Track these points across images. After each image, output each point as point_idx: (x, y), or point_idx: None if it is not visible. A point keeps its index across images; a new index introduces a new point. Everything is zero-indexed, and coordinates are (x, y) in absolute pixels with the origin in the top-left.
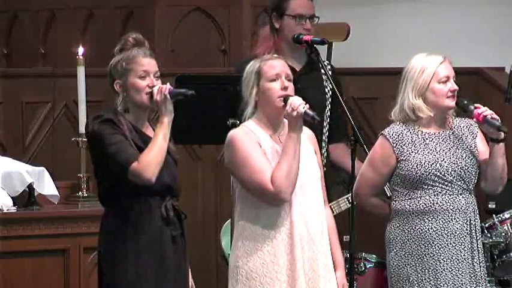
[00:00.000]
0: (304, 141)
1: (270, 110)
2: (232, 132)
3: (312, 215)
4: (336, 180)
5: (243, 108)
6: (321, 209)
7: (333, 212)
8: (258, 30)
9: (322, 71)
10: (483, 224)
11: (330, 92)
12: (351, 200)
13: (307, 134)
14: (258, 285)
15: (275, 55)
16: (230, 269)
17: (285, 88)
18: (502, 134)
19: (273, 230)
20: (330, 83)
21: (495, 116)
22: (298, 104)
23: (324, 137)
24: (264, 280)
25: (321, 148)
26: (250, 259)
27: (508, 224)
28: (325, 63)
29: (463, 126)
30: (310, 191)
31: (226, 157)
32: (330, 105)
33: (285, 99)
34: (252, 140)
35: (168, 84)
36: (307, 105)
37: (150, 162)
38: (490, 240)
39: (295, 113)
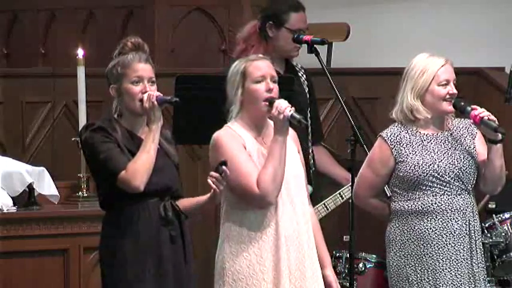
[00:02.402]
0: (287, 141)
1: (254, 112)
2: (217, 134)
3: (297, 215)
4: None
5: (228, 108)
6: (306, 208)
7: (328, 209)
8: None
9: (300, 73)
10: (483, 224)
11: (308, 94)
12: (344, 195)
13: (290, 133)
14: (244, 287)
15: (260, 55)
16: (216, 271)
17: (269, 90)
18: (500, 135)
19: (259, 231)
20: (331, 84)
21: (492, 117)
22: (284, 107)
23: (309, 137)
24: (250, 281)
25: (308, 149)
26: (237, 260)
27: (508, 224)
28: (299, 66)
29: (462, 127)
30: (296, 191)
31: (212, 159)
32: (309, 107)
33: (271, 101)
34: (237, 142)
35: (156, 91)
36: (293, 108)
37: (138, 170)
38: (490, 240)
39: (281, 116)
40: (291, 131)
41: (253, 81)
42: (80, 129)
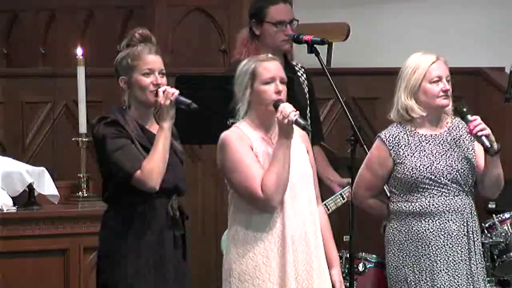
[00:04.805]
0: (296, 140)
1: (262, 112)
2: (225, 135)
3: (304, 215)
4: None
5: (234, 106)
6: (314, 207)
7: (329, 210)
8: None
9: (300, 73)
10: (483, 224)
11: (307, 94)
12: (345, 196)
13: (299, 133)
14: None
15: (270, 55)
16: (223, 272)
17: (278, 92)
18: (495, 147)
19: (265, 232)
20: (331, 84)
21: (487, 132)
22: (289, 111)
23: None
24: (256, 282)
25: None
26: (243, 261)
27: (508, 224)
28: (299, 66)
29: (462, 128)
30: (302, 191)
31: (219, 160)
32: (309, 107)
33: (275, 105)
34: (244, 144)
35: (177, 90)
36: (298, 113)
37: (152, 171)
38: (490, 240)
39: (286, 121)
40: (301, 131)
41: (262, 83)
42: (79, 128)
